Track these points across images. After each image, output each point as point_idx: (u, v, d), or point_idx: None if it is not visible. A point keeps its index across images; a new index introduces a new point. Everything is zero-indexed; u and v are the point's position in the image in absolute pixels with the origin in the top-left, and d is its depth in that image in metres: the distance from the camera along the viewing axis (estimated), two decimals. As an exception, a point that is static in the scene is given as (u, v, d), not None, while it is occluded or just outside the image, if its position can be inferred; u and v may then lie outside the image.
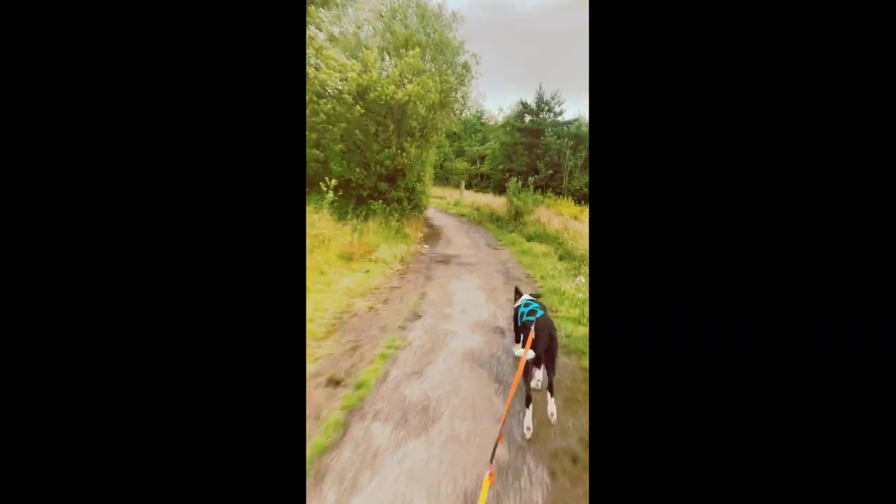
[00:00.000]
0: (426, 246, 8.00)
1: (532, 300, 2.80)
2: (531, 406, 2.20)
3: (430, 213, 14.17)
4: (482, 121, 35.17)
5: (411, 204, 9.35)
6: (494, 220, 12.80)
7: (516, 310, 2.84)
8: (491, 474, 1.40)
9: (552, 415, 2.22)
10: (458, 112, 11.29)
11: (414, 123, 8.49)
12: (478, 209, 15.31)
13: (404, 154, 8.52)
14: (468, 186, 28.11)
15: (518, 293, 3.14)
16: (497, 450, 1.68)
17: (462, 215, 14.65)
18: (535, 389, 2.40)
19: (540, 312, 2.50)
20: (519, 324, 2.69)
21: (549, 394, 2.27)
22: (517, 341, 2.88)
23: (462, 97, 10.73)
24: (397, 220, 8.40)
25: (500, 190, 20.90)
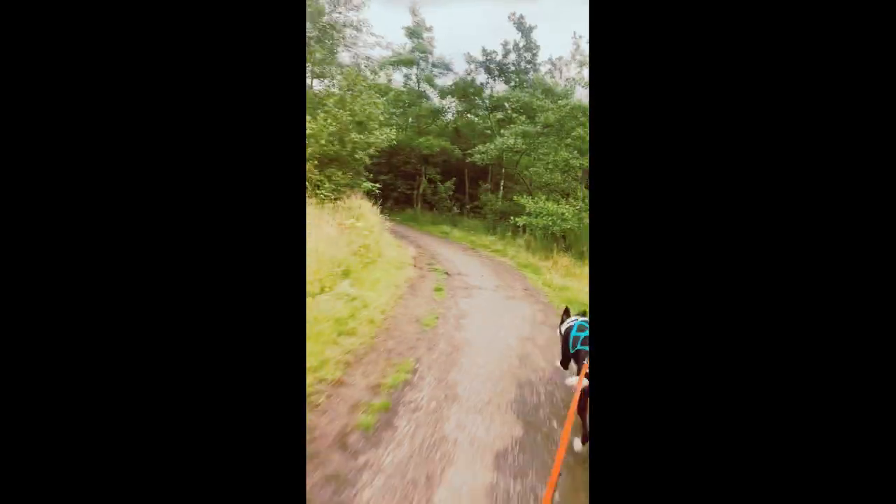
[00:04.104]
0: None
1: (585, 323, 2.60)
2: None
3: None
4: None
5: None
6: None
7: (567, 333, 2.69)
8: None
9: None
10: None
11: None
12: None
13: None
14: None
15: (567, 313, 2.97)
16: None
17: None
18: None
19: None
20: (571, 350, 2.56)
21: (578, 439, 2.21)
22: (565, 367, 2.89)
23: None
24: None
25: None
